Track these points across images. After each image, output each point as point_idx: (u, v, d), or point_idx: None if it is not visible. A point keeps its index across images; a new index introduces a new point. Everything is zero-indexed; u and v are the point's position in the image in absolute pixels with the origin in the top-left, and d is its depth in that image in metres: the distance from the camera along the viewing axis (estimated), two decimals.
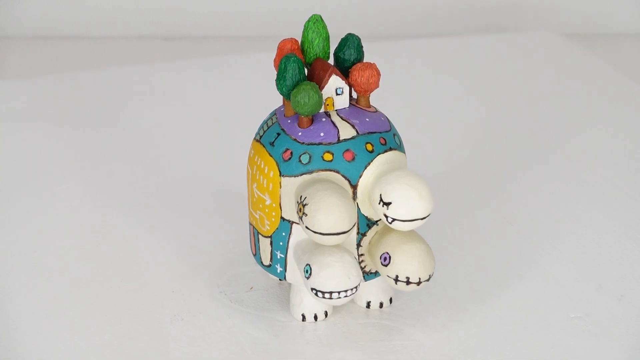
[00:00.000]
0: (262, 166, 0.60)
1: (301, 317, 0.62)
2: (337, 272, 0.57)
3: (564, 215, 0.75)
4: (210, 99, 0.95)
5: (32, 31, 1.17)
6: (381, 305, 0.64)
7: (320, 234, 0.56)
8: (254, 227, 0.62)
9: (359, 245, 0.60)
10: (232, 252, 0.69)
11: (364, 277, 0.61)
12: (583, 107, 0.94)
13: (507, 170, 0.82)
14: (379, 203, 0.57)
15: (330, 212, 0.55)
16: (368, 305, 0.64)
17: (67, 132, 0.87)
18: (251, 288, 0.66)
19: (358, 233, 0.60)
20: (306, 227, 0.56)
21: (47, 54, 1.06)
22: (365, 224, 0.60)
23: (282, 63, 0.59)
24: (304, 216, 0.56)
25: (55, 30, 1.16)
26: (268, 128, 0.61)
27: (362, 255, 0.60)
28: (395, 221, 0.57)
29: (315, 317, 0.62)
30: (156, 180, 0.79)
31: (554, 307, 0.64)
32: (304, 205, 0.56)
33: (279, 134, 0.60)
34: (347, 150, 0.58)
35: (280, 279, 0.65)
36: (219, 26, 1.17)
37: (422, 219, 0.57)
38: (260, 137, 0.61)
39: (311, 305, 0.62)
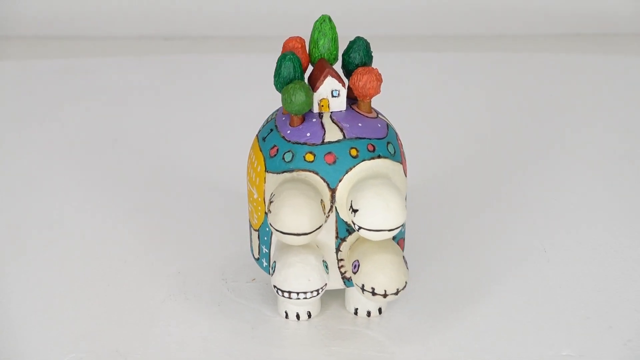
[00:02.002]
0: (253, 160, 0.61)
1: (284, 314, 0.63)
2: (297, 272, 0.57)
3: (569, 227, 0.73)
4: (211, 98, 0.96)
5: (32, 31, 1.20)
6: (369, 314, 0.63)
7: (281, 232, 0.56)
8: (249, 219, 0.63)
9: (338, 249, 0.60)
10: (247, 244, 0.70)
11: (344, 282, 0.61)
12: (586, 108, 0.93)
13: (513, 176, 0.81)
14: (349, 209, 0.57)
15: (292, 212, 0.56)
16: (356, 312, 0.63)
17: (67, 131, 0.89)
18: (253, 280, 0.67)
19: (337, 237, 0.59)
20: (270, 224, 0.57)
21: (47, 54, 1.08)
22: (345, 229, 0.59)
23: (278, 61, 0.59)
24: (269, 213, 0.57)
25: (56, 30, 1.19)
26: (267, 123, 0.62)
27: (341, 260, 0.60)
28: (362, 229, 0.56)
29: (298, 316, 0.62)
30: (159, 179, 0.80)
31: (546, 339, 0.61)
32: (270, 203, 0.57)
33: (271, 130, 0.60)
34: (329, 152, 0.58)
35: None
36: (223, 26, 1.18)
37: (388, 230, 0.56)
38: (259, 131, 0.62)
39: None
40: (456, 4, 1.20)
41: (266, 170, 0.59)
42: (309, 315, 0.63)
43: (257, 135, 0.62)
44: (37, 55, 1.09)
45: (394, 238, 0.61)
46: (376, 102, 0.66)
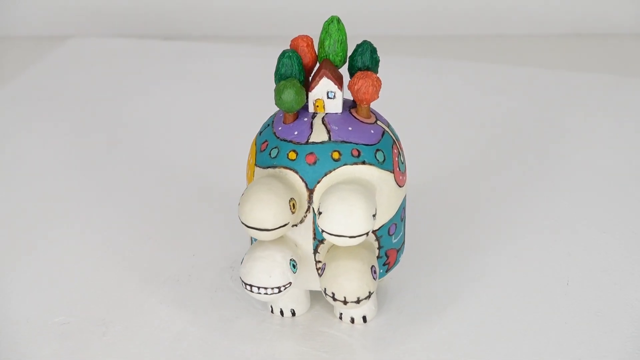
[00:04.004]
0: (249, 153, 0.62)
1: (270, 308, 0.63)
2: (259, 266, 0.57)
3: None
4: (215, 97, 0.95)
5: (32, 31, 1.21)
6: (352, 320, 0.62)
7: (245, 225, 0.57)
8: None
9: (315, 251, 0.59)
10: None
11: None
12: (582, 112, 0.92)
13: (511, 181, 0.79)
14: (317, 210, 0.56)
15: (255, 206, 0.56)
16: (340, 316, 0.63)
17: (66, 131, 0.88)
18: None
19: (314, 239, 0.59)
20: (238, 216, 0.57)
21: (48, 54, 1.08)
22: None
23: (278, 58, 0.60)
24: (238, 205, 0.57)
25: (55, 30, 1.20)
26: (268, 119, 0.62)
27: (319, 262, 0.60)
28: (324, 232, 0.56)
29: (282, 312, 0.63)
30: (167, 175, 0.80)
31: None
32: (241, 195, 0.58)
33: (268, 126, 0.61)
34: (311, 153, 0.58)
35: None
36: (237, 24, 1.16)
37: (350, 237, 0.55)
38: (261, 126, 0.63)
39: (280, 299, 0.63)
40: (464, 5, 1.17)
41: (255, 164, 0.60)
42: (293, 313, 0.63)
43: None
44: (36, 57, 1.11)
45: (380, 247, 0.60)
46: (381, 103, 0.65)
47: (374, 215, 0.56)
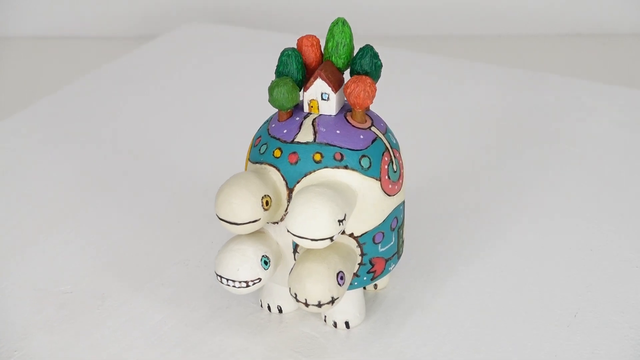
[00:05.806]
0: (248, 146, 0.63)
1: (260, 302, 0.64)
2: (229, 259, 0.58)
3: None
4: (213, 99, 0.93)
5: (32, 31, 1.19)
6: (335, 324, 0.62)
7: (218, 217, 0.58)
8: None
9: (295, 251, 0.60)
10: None
11: None
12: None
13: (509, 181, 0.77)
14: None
15: (226, 200, 0.57)
16: (325, 319, 0.62)
17: (66, 131, 0.87)
18: None
19: None
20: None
21: (47, 54, 1.06)
22: None
23: (279, 56, 0.60)
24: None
25: (55, 30, 1.18)
26: (270, 116, 0.63)
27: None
28: (289, 232, 0.56)
29: (269, 308, 0.63)
30: (167, 180, 0.80)
31: None
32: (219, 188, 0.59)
33: (266, 122, 0.62)
34: (293, 152, 0.58)
35: None
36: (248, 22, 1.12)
37: (312, 239, 0.55)
38: None
39: (268, 294, 0.63)
40: (464, 5, 1.13)
41: (249, 159, 0.61)
42: (280, 310, 0.63)
43: None
44: (35, 57, 1.12)
45: (363, 254, 0.59)
46: (382, 104, 0.64)
47: (340, 221, 0.55)
